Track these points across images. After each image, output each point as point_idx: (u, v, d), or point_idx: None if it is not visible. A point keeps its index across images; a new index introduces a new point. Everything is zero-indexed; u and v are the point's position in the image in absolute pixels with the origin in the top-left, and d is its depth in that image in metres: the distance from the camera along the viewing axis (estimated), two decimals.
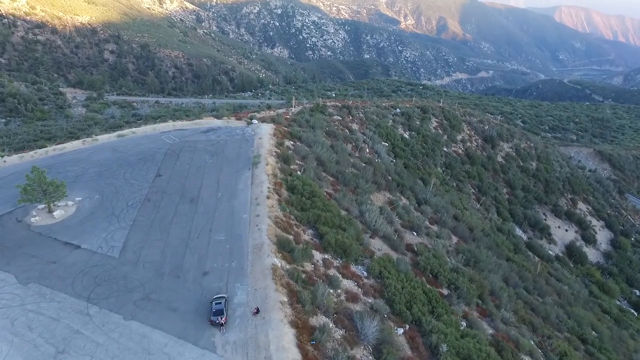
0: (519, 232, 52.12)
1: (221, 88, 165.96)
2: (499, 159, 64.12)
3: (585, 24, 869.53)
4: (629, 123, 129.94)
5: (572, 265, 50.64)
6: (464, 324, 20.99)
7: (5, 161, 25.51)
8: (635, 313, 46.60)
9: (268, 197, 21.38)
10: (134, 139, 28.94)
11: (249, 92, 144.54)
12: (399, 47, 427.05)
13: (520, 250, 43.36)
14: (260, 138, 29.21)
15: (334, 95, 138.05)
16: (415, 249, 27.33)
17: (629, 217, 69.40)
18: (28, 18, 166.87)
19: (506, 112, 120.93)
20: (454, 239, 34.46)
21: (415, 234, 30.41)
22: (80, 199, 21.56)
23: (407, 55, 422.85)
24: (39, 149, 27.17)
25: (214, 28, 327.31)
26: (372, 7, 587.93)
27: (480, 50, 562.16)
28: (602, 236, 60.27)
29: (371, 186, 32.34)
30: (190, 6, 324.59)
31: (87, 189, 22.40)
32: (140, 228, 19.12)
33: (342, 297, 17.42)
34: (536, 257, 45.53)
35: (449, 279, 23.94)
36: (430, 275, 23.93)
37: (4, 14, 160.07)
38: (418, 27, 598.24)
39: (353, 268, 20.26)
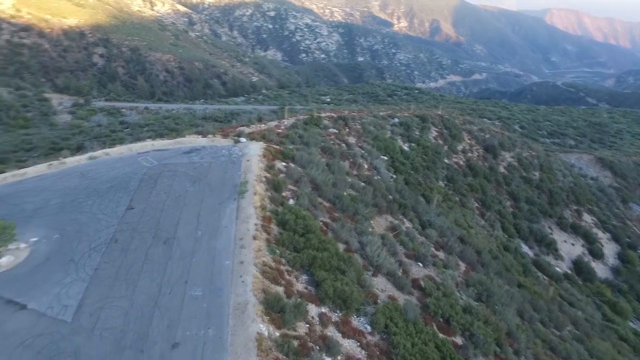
0: (525, 248, 49.59)
1: (213, 92, 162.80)
2: (502, 169, 61.67)
3: (576, 27, 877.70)
4: (626, 127, 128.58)
5: (581, 283, 48.20)
6: None
7: None
8: None
9: (255, 238, 18.38)
10: (107, 162, 25.79)
11: (241, 97, 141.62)
12: (393, 50, 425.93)
13: (529, 272, 40.75)
14: (248, 160, 26.22)
15: (328, 99, 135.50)
16: (423, 285, 24.51)
17: (635, 228, 67.22)
18: (13, 21, 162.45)
19: (503, 117, 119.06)
20: (462, 266, 31.73)
21: (421, 264, 27.59)
22: (35, 239, 18.42)
23: (401, 58, 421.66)
24: None
25: (207, 30, 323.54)
26: (365, 9, 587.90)
27: (473, 53, 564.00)
28: (609, 250, 57.92)
29: (371, 210, 29.50)
30: (182, 8, 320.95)
31: (45, 227, 19.25)
32: (102, 280, 16.03)
33: None
34: (545, 278, 43.00)
35: (462, 324, 21.10)
36: (442, 320, 21.08)
37: None
38: (411, 30, 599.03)
39: (354, 322, 17.35)
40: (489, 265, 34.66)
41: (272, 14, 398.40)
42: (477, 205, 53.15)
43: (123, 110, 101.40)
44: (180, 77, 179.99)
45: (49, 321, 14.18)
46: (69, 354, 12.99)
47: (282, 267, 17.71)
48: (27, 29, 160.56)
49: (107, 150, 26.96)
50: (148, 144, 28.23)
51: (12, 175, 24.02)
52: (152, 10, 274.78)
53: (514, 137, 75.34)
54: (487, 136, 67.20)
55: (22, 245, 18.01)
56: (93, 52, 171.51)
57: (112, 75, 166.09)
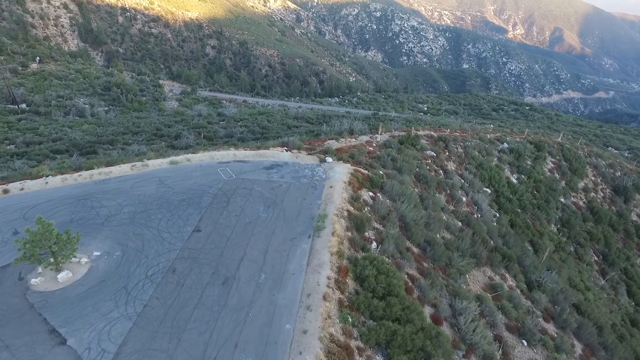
0: None
1: (309, 90, 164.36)
2: (634, 217, 50.60)
3: None
4: None
5: None
6: None
7: (47, 182, 22.63)
8: None
9: (325, 298, 15.09)
10: (186, 170, 24.65)
11: (336, 98, 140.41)
12: (504, 59, 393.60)
13: None
14: (331, 186, 23.05)
15: (425, 108, 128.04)
16: None
17: None
18: (146, 12, 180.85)
19: (636, 148, 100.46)
20: (578, 348, 25.12)
21: (525, 343, 21.99)
22: (98, 254, 17.35)
23: (511, 68, 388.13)
24: (86, 170, 23.98)
25: (312, 28, 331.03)
26: (478, 14, 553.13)
27: (600, 67, 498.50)
28: None
29: (469, 262, 24.47)
30: (292, 5, 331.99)
31: (110, 240, 18.18)
32: (147, 323, 14.07)
33: None
34: None
35: None
36: None
37: (127, 8, 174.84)
38: (528, 38, 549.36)
39: None
40: (614, 349, 27.28)
41: (378, 14, 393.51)
42: (596, 259, 43.96)
43: (223, 101, 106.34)
44: (281, 72, 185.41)
45: None
46: None
47: (352, 344, 14.16)
48: (155, 19, 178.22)
49: (189, 155, 25.87)
50: (230, 153, 26.64)
51: (98, 173, 23.95)
52: (265, 6, 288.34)
53: None
54: (618, 174, 55.90)
55: (84, 260, 16.99)
56: (207, 44, 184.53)
57: (219, 66, 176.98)
